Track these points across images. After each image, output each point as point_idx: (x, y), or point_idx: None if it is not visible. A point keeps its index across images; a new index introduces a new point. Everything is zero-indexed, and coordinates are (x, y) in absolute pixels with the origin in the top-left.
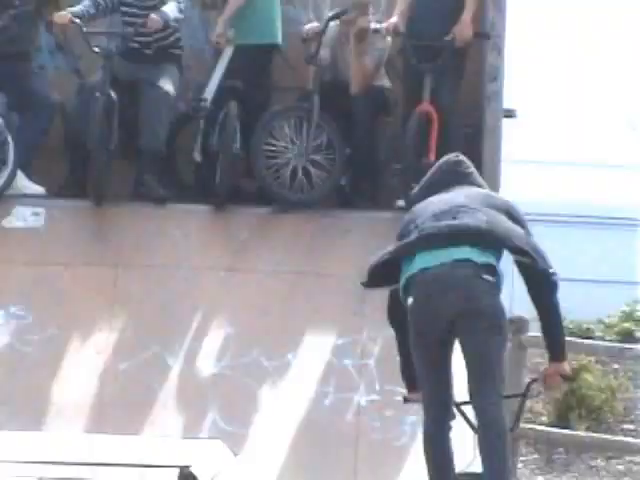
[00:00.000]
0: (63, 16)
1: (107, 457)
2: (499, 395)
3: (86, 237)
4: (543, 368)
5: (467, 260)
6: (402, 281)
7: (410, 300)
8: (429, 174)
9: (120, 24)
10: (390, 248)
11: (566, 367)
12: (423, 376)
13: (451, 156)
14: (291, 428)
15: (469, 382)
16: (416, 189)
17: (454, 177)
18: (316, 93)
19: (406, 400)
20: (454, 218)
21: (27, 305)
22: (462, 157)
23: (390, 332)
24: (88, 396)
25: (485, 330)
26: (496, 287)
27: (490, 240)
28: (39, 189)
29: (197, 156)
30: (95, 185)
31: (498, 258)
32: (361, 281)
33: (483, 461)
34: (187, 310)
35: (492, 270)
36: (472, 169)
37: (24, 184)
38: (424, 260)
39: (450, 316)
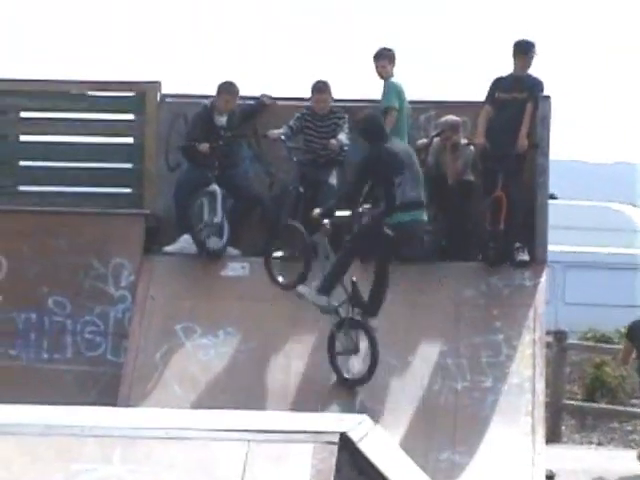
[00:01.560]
0: (275, 134)
1: (287, 426)
2: None
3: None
4: None
5: None
6: None
7: None
8: None
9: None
10: None
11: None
12: None
13: None
14: (411, 406)
15: None
16: None
17: None
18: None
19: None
20: None
21: (238, 327)
22: None
23: (475, 341)
24: (279, 385)
25: None
26: None
27: None
28: (237, 252)
29: (355, 227)
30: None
31: None
32: None
33: None
34: (322, 334)
35: None
36: None
37: (229, 249)
38: None
39: None
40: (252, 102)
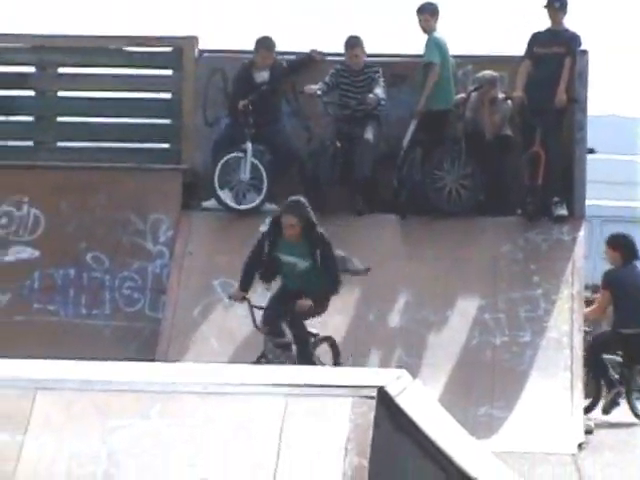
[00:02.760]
0: (312, 89)
1: (325, 381)
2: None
3: None
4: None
5: None
6: None
7: None
8: None
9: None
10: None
11: (309, 303)
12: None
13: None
14: (449, 362)
15: None
16: None
17: None
18: (463, 140)
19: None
20: None
21: (275, 282)
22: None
23: (513, 296)
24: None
25: None
26: None
27: None
28: (274, 207)
29: (395, 182)
30: (321, 202)
31: None
32: None
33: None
34: (385, 285)
35: None
36: None
37: (266, 205)
38: None
39: None
40: (302, 56)
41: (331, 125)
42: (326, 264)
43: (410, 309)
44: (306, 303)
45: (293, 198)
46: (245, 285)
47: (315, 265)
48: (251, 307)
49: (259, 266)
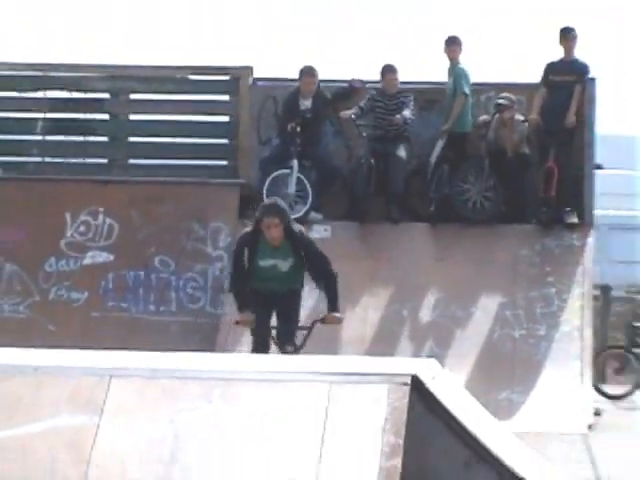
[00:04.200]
0: (347, 114)
1: (364, 369)
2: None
3: (356, 242)
4: (326, 314)
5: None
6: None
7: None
8: None
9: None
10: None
11: (338, 315)
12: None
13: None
14: (474, 352)
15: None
16: None
17: None
18: (486, 157)
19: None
20: None
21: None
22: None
23: (530, 294)
24: (357, 333)
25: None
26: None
27: None
28: (319, 216)
29: (431, 193)
30: (360, 212)
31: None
32: None
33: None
34: (417, 285)
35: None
36: None
37: (312, 214)
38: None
39: None
40: (345, 85)
41: (366, 144)
42: (315, 261)
43: (439, 306)
44: (339, 317)
45: (270, 200)
46: (247, 303)
47: (296, 263)
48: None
49: (245, 279)
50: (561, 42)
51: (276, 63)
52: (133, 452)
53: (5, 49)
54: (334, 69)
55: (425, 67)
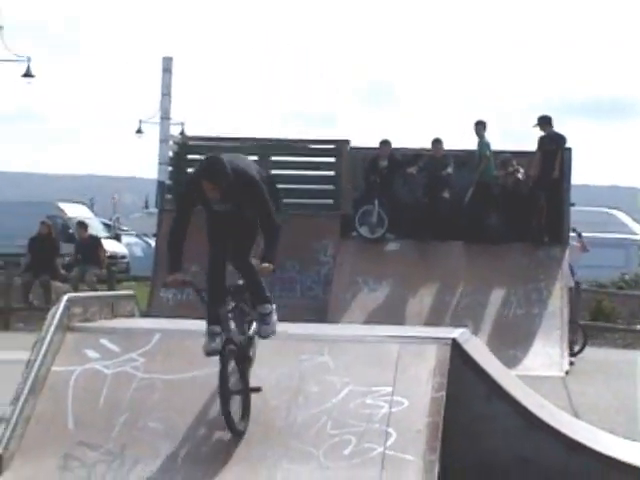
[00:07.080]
0: (409, 170)
1: (421, 334)
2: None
3: (415, 253)
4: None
5: None
6: None
7: None
8: None
9: None
10: None
11: (268, 265)
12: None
13: None
14: (489, 324)
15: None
16: None
17: None
18: (501, 198)
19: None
20: None
21: (394, 279)
22: None
23: (529, 286)
24: (416, 311)
25: None
26: None
27: None
28: (392, 236)
29: (465, 222)
30: (418, 234)
31: None
32: None
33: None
34: (455, 281)
35: None
36: None
37: (387, 235)
38: None
39: None
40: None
41: (423, 190)
42: (260, 210)
43: (469, 295)
44: (269, 268)
45: (211, 159)
46: (176, 264)
47: (239, 206)
48: (199, 291)
49: (185, 235)
50: (541, 127)
51: (365, 138)
52: (272, 384)
53: None
54: (403, 139)
55: (459, 139)
